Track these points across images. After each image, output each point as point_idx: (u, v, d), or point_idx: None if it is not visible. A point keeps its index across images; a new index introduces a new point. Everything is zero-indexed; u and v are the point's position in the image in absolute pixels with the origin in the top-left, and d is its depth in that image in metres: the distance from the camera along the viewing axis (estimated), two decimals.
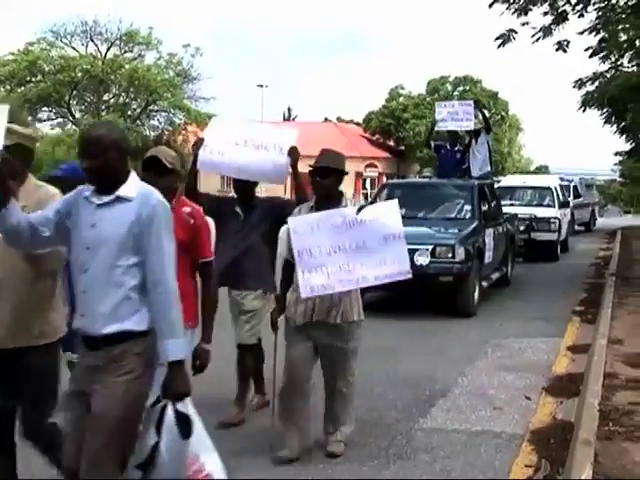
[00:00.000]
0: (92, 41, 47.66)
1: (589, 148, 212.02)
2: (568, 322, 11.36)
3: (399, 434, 6.38)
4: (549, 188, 22.04)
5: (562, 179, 28.36)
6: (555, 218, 20.11)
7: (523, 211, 19.23)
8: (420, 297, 12.17)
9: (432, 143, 16.41)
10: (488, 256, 12.87)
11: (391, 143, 69.79)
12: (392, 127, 66.81)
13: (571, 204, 25.15)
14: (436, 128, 16.34)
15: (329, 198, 5.68)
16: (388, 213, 5.70)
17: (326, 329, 5.68)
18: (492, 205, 14.29)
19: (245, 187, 6.73)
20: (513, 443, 6.18)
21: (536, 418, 6.83)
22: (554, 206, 20.98)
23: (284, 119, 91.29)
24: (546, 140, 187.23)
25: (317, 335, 5.71)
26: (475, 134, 15.56)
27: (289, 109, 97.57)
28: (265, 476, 5.52)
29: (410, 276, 5.56)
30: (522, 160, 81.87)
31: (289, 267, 5.79)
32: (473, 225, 12.56)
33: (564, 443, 5.99)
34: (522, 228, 18.48)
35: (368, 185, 62.93)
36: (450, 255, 11.47)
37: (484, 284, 12.67)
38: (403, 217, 12.60)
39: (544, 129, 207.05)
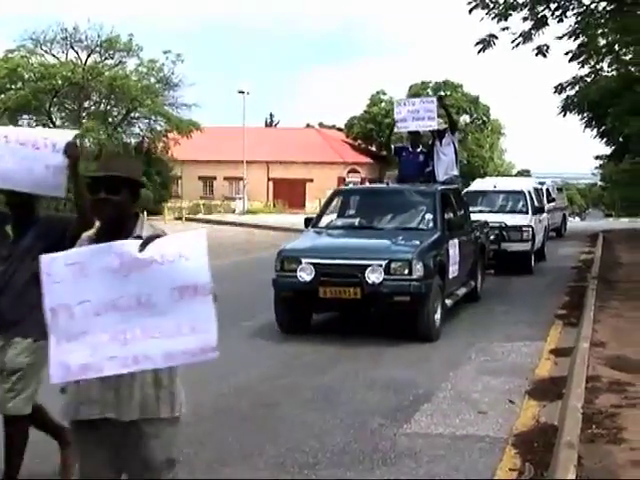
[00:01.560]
0: (72, 48, 47.43)
1: (570, 152, 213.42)
2: (551, 326, 11.38)
3: (383, 439, 6.37)
4: (522, 192, 19.79)
5: (541, 183, 26.53)
6: (528, 226, 17.97)
7: (493, 219, 17.14)
8: (373, 319, 11.01)
9: (392, 146, 15.26)
10: (453, 270, 11.46)
11: (373, 148, 69.99)
12: (374, 132, 66.97)
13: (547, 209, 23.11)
14: (396, 129, 14.96)
15: (118, 224, 3.68)
16: (189, 251, 3.42)
17: (121, 431, 3.62)
18: (458, 212, 12.84)
19: (19, 201, 5.05)
20: (497, 447, 6.18)
21: (520, 422, 6.83)
22: (527, 212, 18.93)
23: (266, 125, 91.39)
24: (528, 144, 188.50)
25: (112, 439, 3.64)
26: (439, 134, 14.11)
27: (271, 115, 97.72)
28: None
29: (215, 355, 3.36)
30: (504, 164, 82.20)
31: None
32: (435, 236, 11.06)
33: (548, 446, 5.99)
34: (491, 238, 16.43)
35: None
36: (407, 271, 9.97)
37: (448, 302, 11.25)
38: (356, 227, 11.16)
39: (526, 134, 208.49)
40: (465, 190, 20.77)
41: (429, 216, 11.55)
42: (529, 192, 19.89)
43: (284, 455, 5.96)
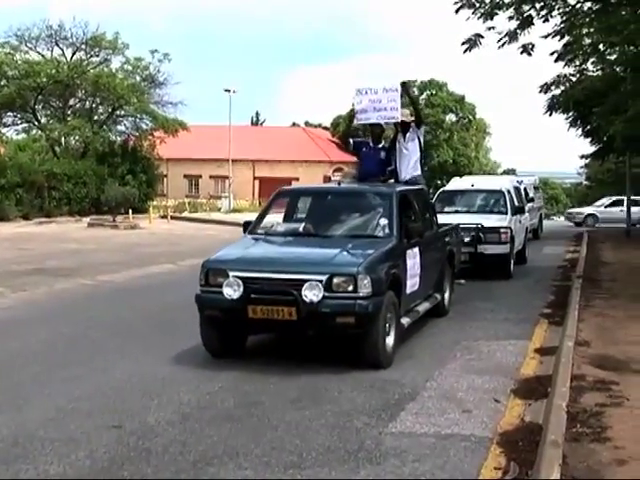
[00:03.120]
0: (57, 45, 47.18)
1: (555, 151, 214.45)
2: (536, 324, 11.41)
3: (368, 438, 6.36)
4: (500, 192, 18.57)
5: (519, 181, 25.53)
6: (506, 228, 16.81)
7: (469, 219, 16.51)
8: (313, 343, 9.57)
9: (351, 140, 13.27)
10: (411, 284, 9.99)
11: None
12: (360, 131, 66.98)
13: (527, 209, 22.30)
14: (355, 121, 12.98)
15: None
16: None
17: None
18: (422, 216, 11.27)
19: None
20: (482, 446, 6.18)
21: (505, 420, 6.84)
22: (506, 212, 17.80)
23: (252, 124, 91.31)
24: (513, 144, 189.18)
25: None
26: (403, 127, 12.52)
27: (257, 114, 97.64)
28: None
29: None
30: (489, 164, 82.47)
31: None
32: (389, 245, 9.53)
33: (533, 445, 6.00)
34: (467, 240, 15.74)
35: None
36: (351, 288, 8.40)
37: (405, 321, 9.69)
38: (299, 234, 9.96)
39: (511, 133, 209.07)
40: (441, 189, 20.79)
41: (384, 221, 9.96)
42: (508, 191, 18.90)
43: (269, 454, 5.95)
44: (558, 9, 16.83)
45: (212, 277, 8.89)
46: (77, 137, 45.76)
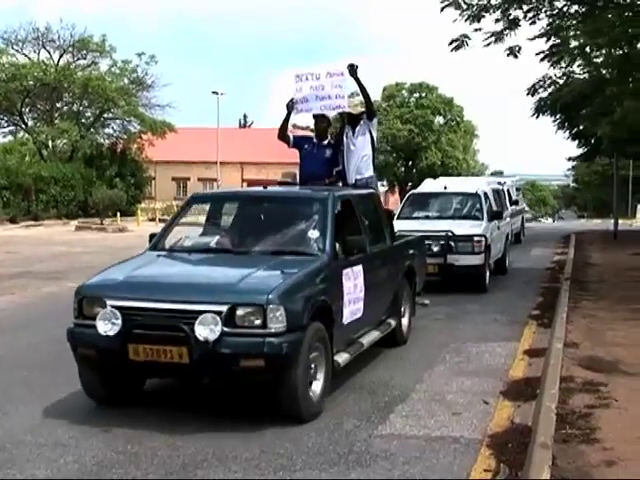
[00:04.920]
0: (44, 48, 47.16)
1: (543, 154, 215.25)
2: (525, 326, 11.43)
3: (358, 441, 6.36)
4: (476, 195, 16.54)
5: (500, 182, 24.24)
6: (480, 236, 14.86)
7: (438, 226, 14.92)
8: (214, 390, 7.67)
9: (290, 136, 10.82)
10: (352, 311, 8.02)
11: None
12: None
13: (509, 213, 21.35)
14: (294, 113, 10.68)
15: None
16: None
17: None
18: (371, 227, 9.37)
19: None
20: (472, 448, 6.19)
21: (494, 422, 6.85)
22: (481, 218, 15.85)
23: (240, 126, 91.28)
24: (501, 146, 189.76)
25: None
26: (351, 119, 10.65)
27: (245, 116, 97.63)
28: None
29: None
30: (477, 165, 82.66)
31: None
32: (316, 264, 7.59)
33: (522, 447, 6.01)
34: (436, 249, 14.34)
35: None
36: (259, 321, 6.56)
37: (341, 359, 7.70)
38: (211, 250, 8.10)
39: (499, 135, 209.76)
40: (410, 192, 18.99)
41: (315, 234, 7.98)
42: (485, 194, 16.88)
43: (259, 457, 5.94)
44: (545, 12, 16.89)
45: (87, 307, 7.04)
46: (65, 140, 45.65)
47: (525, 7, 16.41)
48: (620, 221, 32.28)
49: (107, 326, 6.69)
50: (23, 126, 47.88)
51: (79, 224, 36.63)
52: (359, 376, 8.42)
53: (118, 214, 39.00)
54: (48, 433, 6.56)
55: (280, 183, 10.62)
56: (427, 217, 16.18)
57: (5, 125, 48.65)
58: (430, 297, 11.81)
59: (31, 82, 44.69)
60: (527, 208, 40.85)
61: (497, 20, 16.55)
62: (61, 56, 47.22)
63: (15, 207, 38.77)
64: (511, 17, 16.42)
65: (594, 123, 25.60)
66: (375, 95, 68.58)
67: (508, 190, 25.07)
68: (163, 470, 5.71)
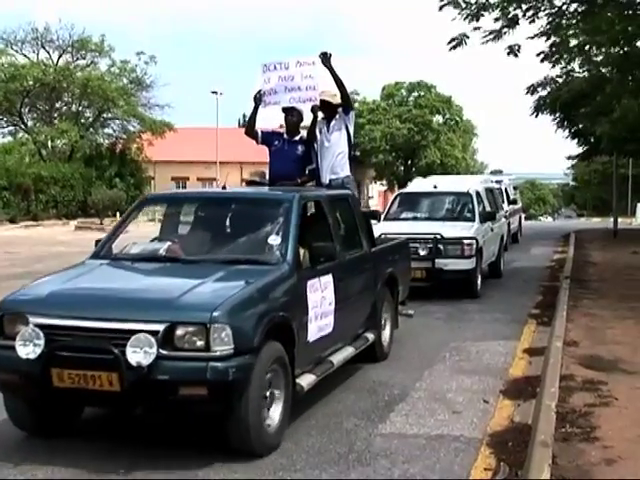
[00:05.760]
0: (43, 48, 47.20)
1: (543, 153, 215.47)
2: (524, 325, 11.43)
3: (358, 440, 6.36)
4: (468, 194, 15.62)
5: (498, 181, 24.30)
6: (470, 238, 13.94)
7: (427, 229, 14.01)
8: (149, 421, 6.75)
9: (258, 131, 9.81)
10: (319, 327, 7.11)
11: None
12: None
13: (506, 212, 21.00)
14: (262, 106, 9.67)
15: None
16: None
17: None
18: (346, 232, 8.62)
19: None
20: (472, 447, 6.19)
21: (494, 421, 6.85)
22: (473, 219, 14.97)
23: (239, 126, 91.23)
24: (501, 144, 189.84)
25: None
26: (327, 112, 9.65)
27: (244, 116, 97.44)
28: None
29: None
30: (476, 164, 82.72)
31: None
32: (276, 274, 6.68)
33: (522, 445, 6.02)
34: (423, 253, 13.51)
35: None
36: (201, 343, 5.65)
37: (305, 382, 6.75)
38: (154, 259, 7.15)
39: (499, 134, 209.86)
40: (398, 192, 18.10)
41: (275, 240, 7.06)
42: (478, 194, 15.95)
43: (258, 457, 5.93)
44: (544, 10, 16.87)
45: (8, 325, 6.07)
46: (64, 140, 45.69)
47: (524, 6, 16.38)
48: (620, 220, 32.27)
49: (28, 348, 5.75)
50: (23, 126, 47.89)
51: (79, 224, 36.66)
52: (359, 375, 8.43)
53: (117, 214, 39.01)
54: None
55: (248, 183, 9.90)
56: (415, 218, 15.38)
57: (5, 125, 48.69)
58: (430, 296, 11.79)
59: (30, 82, 44.71)
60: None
61: (496, 19, 16.53)
62: (60, 56, 47.27)
63: (15, 207, 38.79)
64: (510, 16, 16.40)
65: (594, 122, 25.57)
66: (374, 94, 68.80)
67: (506, 189, 24.73)
68: (164, 467, 5.70)
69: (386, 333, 9.45)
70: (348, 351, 8.07)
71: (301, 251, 7.22)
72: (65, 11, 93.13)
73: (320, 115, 9.61)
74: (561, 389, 7.21)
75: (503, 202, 22.29)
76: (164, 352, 5.58)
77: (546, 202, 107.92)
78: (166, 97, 64.32)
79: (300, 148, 9.62)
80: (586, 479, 5.13)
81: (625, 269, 17.51)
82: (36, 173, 41.15)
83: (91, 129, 48.26)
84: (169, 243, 7.50)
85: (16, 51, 46.60)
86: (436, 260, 13.58)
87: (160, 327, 5.65)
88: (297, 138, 9.69)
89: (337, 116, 9.61)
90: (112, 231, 7.96)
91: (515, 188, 30.70)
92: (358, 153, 66.38)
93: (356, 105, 67.57)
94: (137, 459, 5.89)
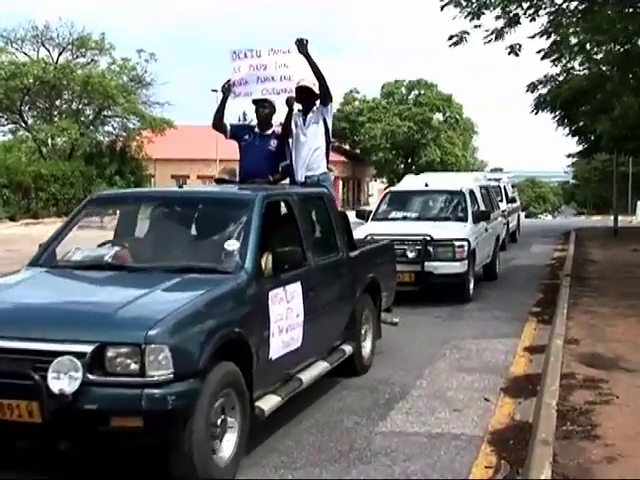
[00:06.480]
0: (44, 46, 47.18)
1: (543, 150, 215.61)
2: (525, 323, 11.43)
3: (359, 438, 6.36)
4: (460, 193, 14.83)
5: (496, 179, 24.23)
6: (462, 240, 13.13)
7: (416, 229, 13.29)
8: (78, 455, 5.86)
9: (227, 124, 9.10)
10: (284, 342, 6.35)
11: (347, 147, 70.13)
12: (347, 131, 67.11)
13: (504, 211, 20.76)
14: (231, 97, 8.98)
15: None
16: None
17: None
18: (317, 234, 7.97)
19: None
20: (472, 444, 6.19)
21: (495, 419, 6.85)
22: (466, 219, 14.20)
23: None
24: (501, 142, 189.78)
25: None
26: (305, 103, 8.86)
27: (244, 114, 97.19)
28: None
29: None
30: (476, 162, 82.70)
31: None
32: (228, 285, 5.87)
33: (523, 443, 6.02)
34: (412, 256, 12.79)
35: None
36: (136, 366, 4.89)
37: (266, 406, 5.99)
38: (98, 267, 6.35)
39: (499, 132, 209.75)
40: (387, 190, 17.24)
41: (232, 246, 6.23)
42: (471, 192, 15.21)
43: (259, 454, 5.94)
44: (545, 8, 16.88)
45: None
46: (64, 138, 45.70)
47: (525, 4, 16.39)
48: (620, 218, 32.26)
49: None
50: (23, 124, 47.87)
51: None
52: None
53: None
54: None
55: (217, 181, 9.15)
56: (405, 218, 14.54)
57: (5, 123, 48.67)
58: (428, 294, 11.77)
59: (31, 80, 44.70)
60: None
61: (497, 17, 16.55)
62: (60, 54, 47.26)
63: (15, 205, 38.80)
64: (511, 14, 16.41)
65: (594, 120, 25.56)
66: (374, 92, 68.79)
67: (504, 187, 24.39)
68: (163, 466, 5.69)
69: (367, 344, 8.67)
70: (321, 367, 7.33)
71: (265, 257, 6.56)
72: (65, 10, 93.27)
73: (296, 107, 8.86)
74: (562, 387, 7.21)
75: (502, 201, 22.06)
76: (92, 377, 4.83)
77: (546, 200, 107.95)
78: (166, 95, 64.47)
79: (273, 143, 8.87)
80: (587, 477, 5.13)
81: (625, 267, 17.52)
82: (36, 171, 41.16)
83: (91, 127, 48.24)
84: (117, 249, 6.77)
85: (16, 49, 46.61)
86: (425, 263, 12.78)
87: (88, 348, 4.87)
88: (269, 132, 8.93)
89: (315, 108, 8.82)
90: (54, 235, 7.02)
91: (513, 186, 30.43)
92: (358, 151, 66.38)
93: (356, 103, 67.76)
94: None
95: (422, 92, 66.84)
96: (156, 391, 4.84)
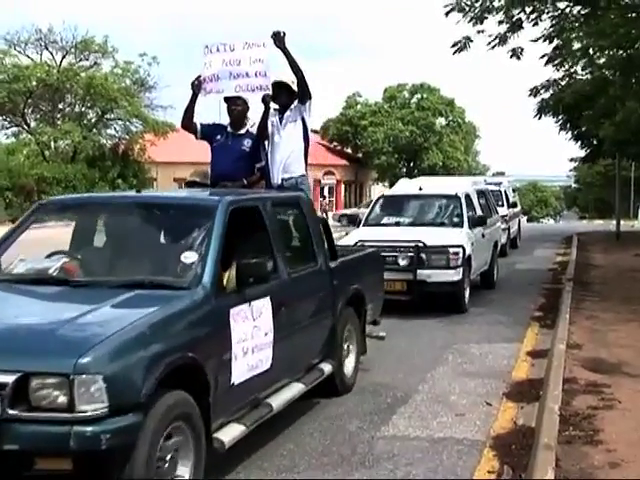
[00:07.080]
0: (47, 49, 47.28)
1: (545, 154, 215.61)
2: (527, 327, 11.42)
3: (361, 442, 6.36)
4: (456, 197, 14.14)
5: (498, 183, 24.03)
6: (456, 246, 12.47)
7: (408, 235, 12.65)
8: None
9: (197, 124, 8.45)
10: (249, 365, 5.68)
11: (349, 150, 70.17)
12: (350, 134, 67.13)
13: (505, 216, 20.65)
14: (202, 94, 8.25)
15: None
16: None
17: None
18: (293, 242, 7.50)
19: None
20: (475, 449, 6.19)
21: (497, 424, 6.85)
22: (461, 225, 13.58)
23: None
24: (503, 147, 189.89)
25: None
26: (283, 100, 8.31)
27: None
28: None
29: None
30: (478, 167, 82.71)
31: None
32: (182, 303, 5.20)
33: (525, 448, 6.01)
34: (404, 263, 12.22)
35: (327, 193, 63.10)
36: (64, 399, 4.25)
37: (228, 436, 5.35)
38: (39, 281, 5.72)
39: (501, 136, 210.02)
40: (381, 194, 16.50)
41: (189, 258, 5.61)
42: (467, 197, 14.53)
43: (261, 458, 5.94)
44: (547, 13, 16.90)
45: None
46: (67, 141, 45.76)
47: (528, 9, 16.42)
48: (622, 222, 32.26)
49: None
50: (26, 127, 47.93)
51: None
52: (361, 377, 8.40)
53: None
54: None
55: (188, 184, 8.54)
56: (398, 224, 13.86)
57: (8, 126, 48.74)
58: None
59: (34, 83, 44.77)
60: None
61: (500, 22, 16.58)
62: (63, 57, 47.36)
63: (17, 208, 38.84)
64: (514, 19, 16.44)
65: (596, 124, 25.57)
66: (376, 96, 68.82)
67: (505, 191, 24.13)
68: None
69: (350, 361, 8.00)
70: (295, 389, 6.64)
71: (229, 271, 5.87)
72: (68, 13, 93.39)
73: (273, 106, 8.30)
74: (564, 392, 7.21)
75: (502, 205, 21.81)
76: (14, 412, 4.23)
77: (548, 204, 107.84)
78: (169, 98, 64.55)
79: (247, 143, 8.25)
80: None
81: (628, 271, 17.50)
82: (39, 174, 41.25)
83: (94, 130, 48.29)
84: (65, 260, 6.11)
85: (19, 52, 46.69)
86: (418, 271, 12.14)
87: (9, 378, 4.24)
88: (243, 131, 8.34)
89: (292, 106, 8.24)
90: None
91: (514, 190, 30.16)
92: (360, 155, 66.24)
93: (358, 107, 67.73)
94: None
95: (424, 96, 66.77)
96: (87, 428, 4.22)
